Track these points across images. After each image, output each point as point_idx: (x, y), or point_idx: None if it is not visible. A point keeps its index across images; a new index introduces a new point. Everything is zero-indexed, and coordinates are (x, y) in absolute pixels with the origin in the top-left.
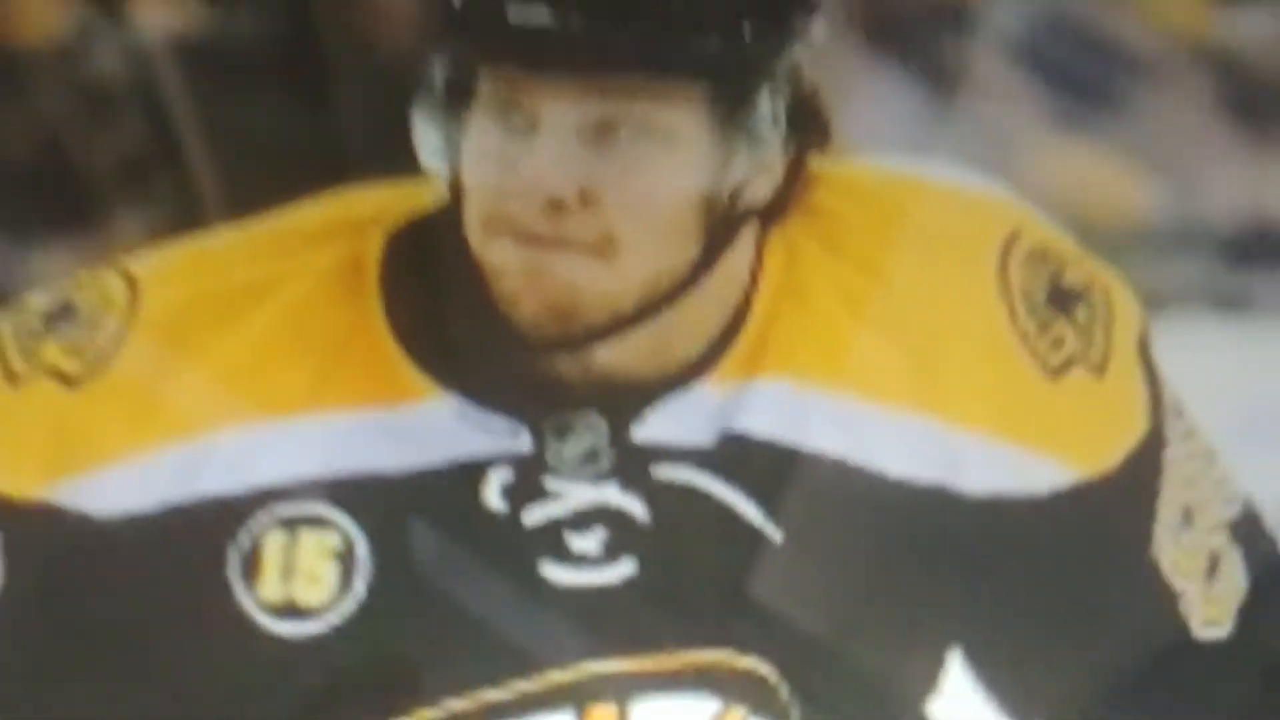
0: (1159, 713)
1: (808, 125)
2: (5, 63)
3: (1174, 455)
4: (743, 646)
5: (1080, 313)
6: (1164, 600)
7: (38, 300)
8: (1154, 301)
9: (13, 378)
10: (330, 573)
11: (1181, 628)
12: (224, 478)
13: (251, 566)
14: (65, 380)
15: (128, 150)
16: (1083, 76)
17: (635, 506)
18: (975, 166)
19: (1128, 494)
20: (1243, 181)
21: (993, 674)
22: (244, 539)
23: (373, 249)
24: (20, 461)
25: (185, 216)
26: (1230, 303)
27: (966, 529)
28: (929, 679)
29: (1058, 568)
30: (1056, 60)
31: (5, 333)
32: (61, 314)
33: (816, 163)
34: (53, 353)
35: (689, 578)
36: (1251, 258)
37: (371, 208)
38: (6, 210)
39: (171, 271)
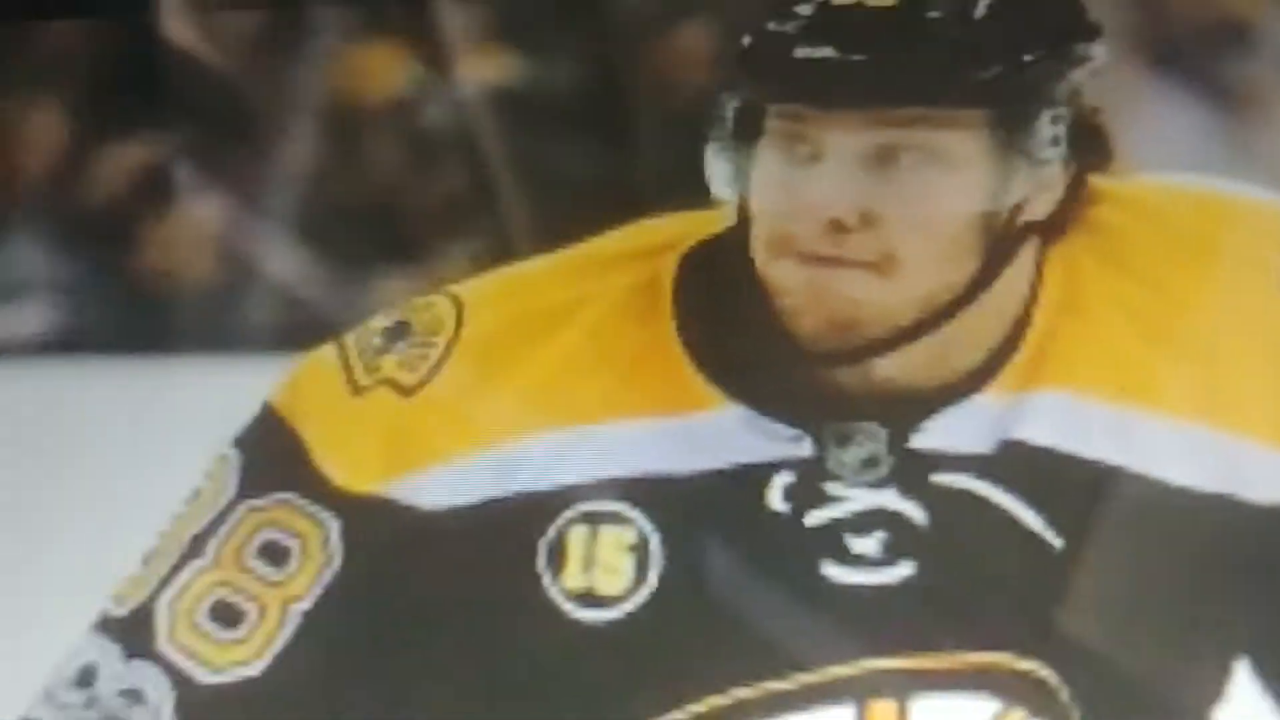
0: None
1: (1089, 145)
2: (351, 117)
3: None
4: (1023, 650)
5: None
6: None
7: (379, 321)
8: None
9: (357, 389)
10: (627, 565)
11: None
12: (535, 478)
13: (557, 557)
14: (401, 390)
15: (453, 191)
16: None
17: (914, 511)
18: (1260, 182)
19: None
20: None
21: (1278, 683)
22: (552, 532)
23: (667, 271)
24: (360, 460)
25: (503, 249)
26: None
27: (1252, 536)
28: (1214, 688)
29: None
30: None
31: (351, 350)
32: (399, 332)
33: (1099, 181)
34: (390, 366)
35: (967, 580)
36: None
37: (666, 235)
38: (351, 246)
39: (491, 294)
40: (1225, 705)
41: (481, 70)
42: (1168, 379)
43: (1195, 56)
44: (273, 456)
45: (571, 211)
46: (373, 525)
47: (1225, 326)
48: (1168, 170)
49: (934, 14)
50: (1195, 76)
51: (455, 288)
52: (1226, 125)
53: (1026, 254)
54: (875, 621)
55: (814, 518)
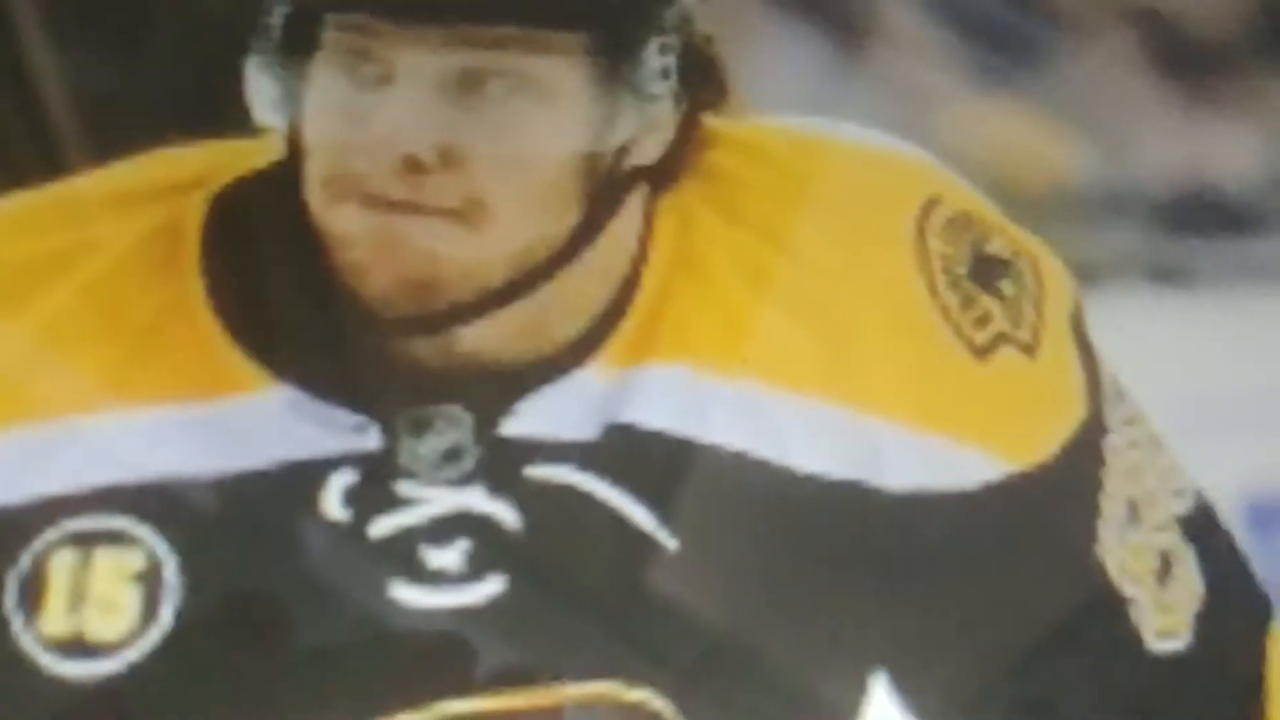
0: None
1: (702, 80)
2: None
3: (1115, 443)
4: (633, 676)
5: (1006, 286)
6: (1112, 607)
7: None
8: (1086, 273)
9: None
10: (130, 600)
11: (1133, 639)
12: (3, 485)
13: (33, 594)
14: None
15: None
16: (1003, 29)
17: (505, 513)
18: (888, 126)
19: (1066, 487)
20: (1177, 142)
21: (920, 698)
22: (24, 560)
23: (193, 214)
24: None
25: None
26: (1169, 274)
27: (886, 529)
28: (849, 705)
29: (990, 571)
30: (975, 11)
31: None
32: None
33: (712, 122)
34: None
35: (568, 596)
36: (1190, 224)
37: (192, 169)
38: None
39: None
40: None
41: None
42: (793, 349)
43: None
44: None
45: (67, 134)
46: None
47: (850, 288)
48: (787, 111)
49: None
50: (817, 6)
51: None
52: (850, 62)
53: (634, 204)
54: (455, 654)
55: (381, 526)
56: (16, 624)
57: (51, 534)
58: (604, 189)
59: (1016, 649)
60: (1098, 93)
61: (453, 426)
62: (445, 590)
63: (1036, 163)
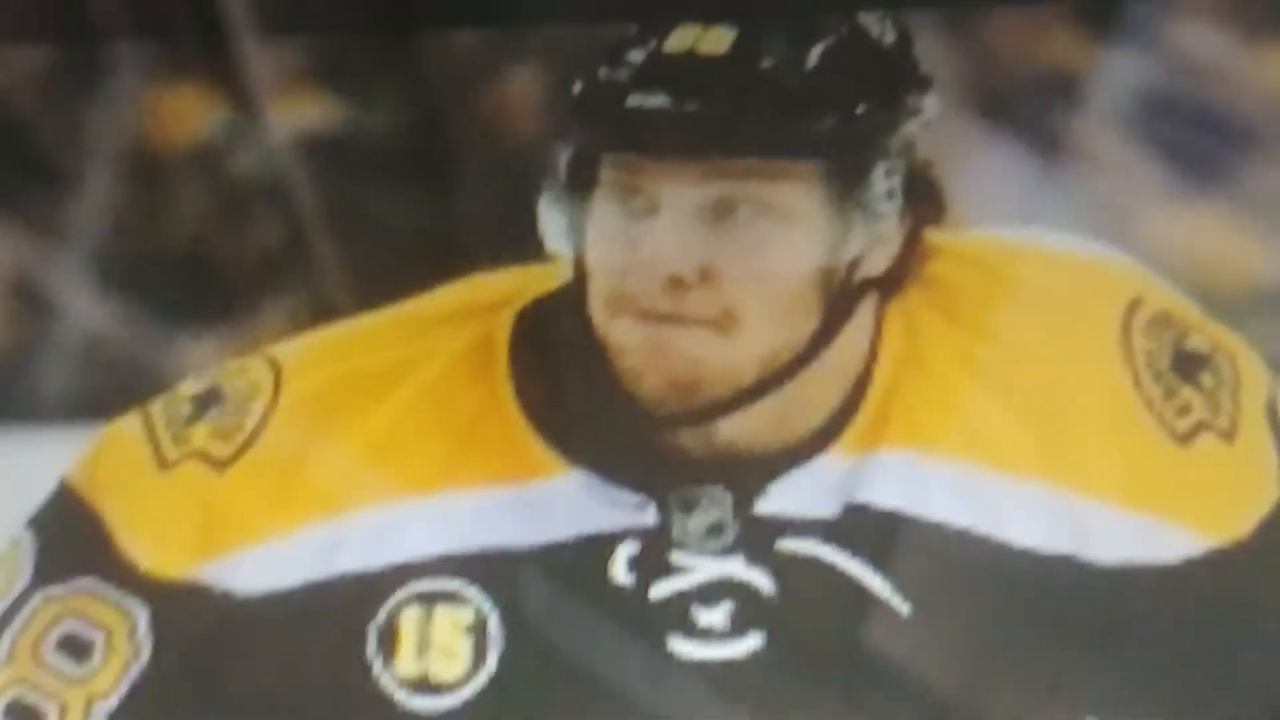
0: None
1: (923, 198)
2: (154, 164)
3: None
4: (873, 717)
5: (1206, 378)
6: None
7: (188, 387)
8: None
9: (164, 463)
10: (464, 648)
11: None
12: (363, 555)
13: (388, 642)
14: (213, 463)
15: (267, 245)
16: (1195, 145)
17: (761, 579)
18: (1094, 234)
19: (1262, 561)
20: None
21: None
22: (382, 615)
23: (502, 330)
24: (170, 542)
25: (323, 307)
26: None
27: (1096, 598)
28: None
29: (1192, 638)
30: (1168, 130)
31: (158, 419)
32: (210, 399)
33: (933, 235)
34: (202, 437)
35: (816, 650)
36: None
37: (500, 291)
38: (157, 304)
39: (313, 357)
40: None
41: (295, 114)
42: (1010, 436)
43: (1025, 108)
44: (71, 539)
45: (396, 266)
46: (184, 613)
47: (1062, 381)
48: (1001, 223)
49: (767, 63)
50: (1025, 128)
51: (272, 349)
52: (1057, 177)
53: (865, 310)
54: (724, 696)
55: (659, 589)
56: (376, 667)
57: (402, 594)
58: (839, 298)
59: (1215, 704)
60: None
61: (715, 505)
62: (713, 644)
63: (1232, 265)
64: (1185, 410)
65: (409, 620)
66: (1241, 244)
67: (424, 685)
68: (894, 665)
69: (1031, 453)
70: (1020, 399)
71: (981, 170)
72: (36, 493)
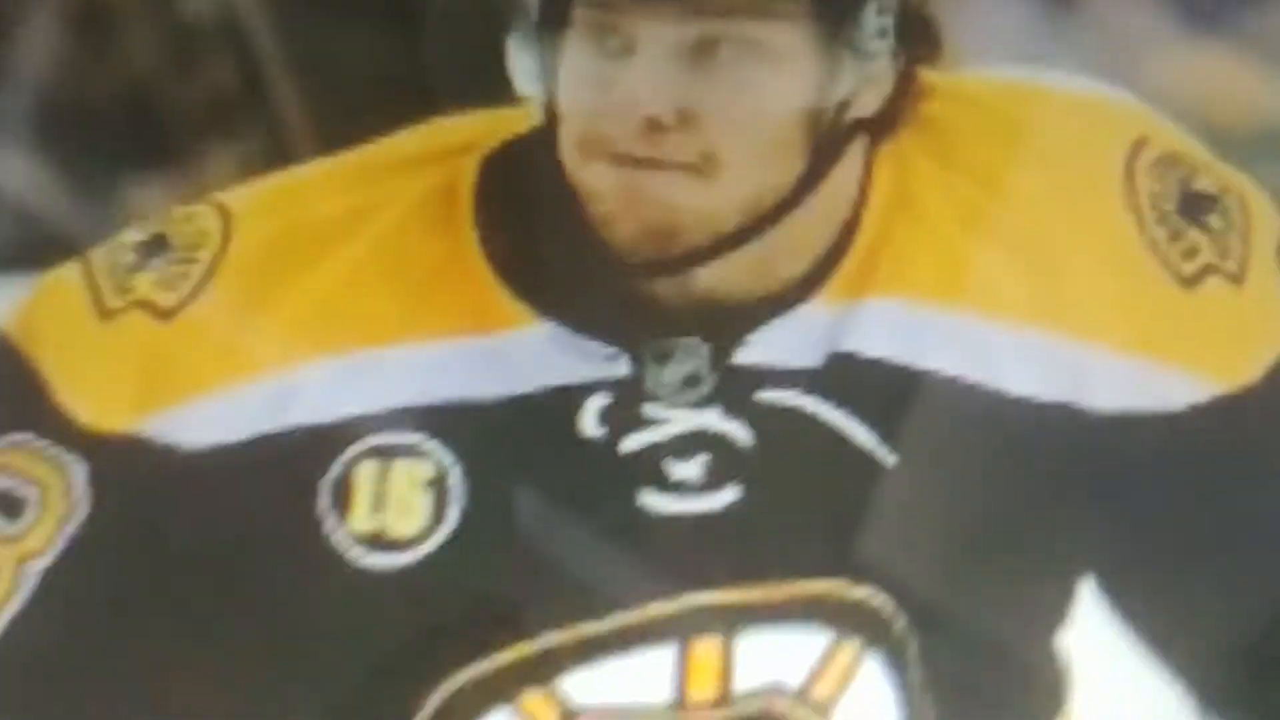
0: None
1: (917, 36)
2: (96, 7)
3: None
4: (856, 576)
5: (1214, 220)
6: None
7: (131, 235)
8: None
9: (106, 312)
10: (423, 503)
11: None
12: (315, 408)
13: (342, 498)
14: (157, 313)
15: (219, 87)
16: None
17: (738, 431)
18: (1098, 74)
19: (1271, 407)
20: None
21: (1129, 602)
22: (335, 469)
23: (466, 176)
24: (110, 395)
25: (277, 152)
26: None
27: (1096, 447)
28: (1058, 609)
29: (1196, 487)
30: None
31: (99, 268)
32: (155, 248)
33: (928, 75)
34: (145, 285)
35: (796, 504)
36: None
37: (464, 136)
38: (100, 150)
39: (264, 204)
40: (1070, 626)
41: None
42: (1004, 281)
43: None
44: (4, 393)
45: (358, 110)
46: (125, 468)
47: (1062, 225)
48: (997, 63)
49: None
50: None
51: (221, 196)
52: (1060, 15)
53: (854, 153)
54: (698, 553)
55: (631, 443)
56: (329, 524)
57: (357, 448)
58: (826, 140)
59: (1220, 557)
60: None
61: (691, 356)
62: (687, 498)
63: (1245, 102)
64: (1192, 253)
65: (364, 475)
66: (1249, 83)
67: (379, 541)
68: (880, 520)
69: (1028, 298)
70: (1017, 244)
71: (980, 7)
72: None
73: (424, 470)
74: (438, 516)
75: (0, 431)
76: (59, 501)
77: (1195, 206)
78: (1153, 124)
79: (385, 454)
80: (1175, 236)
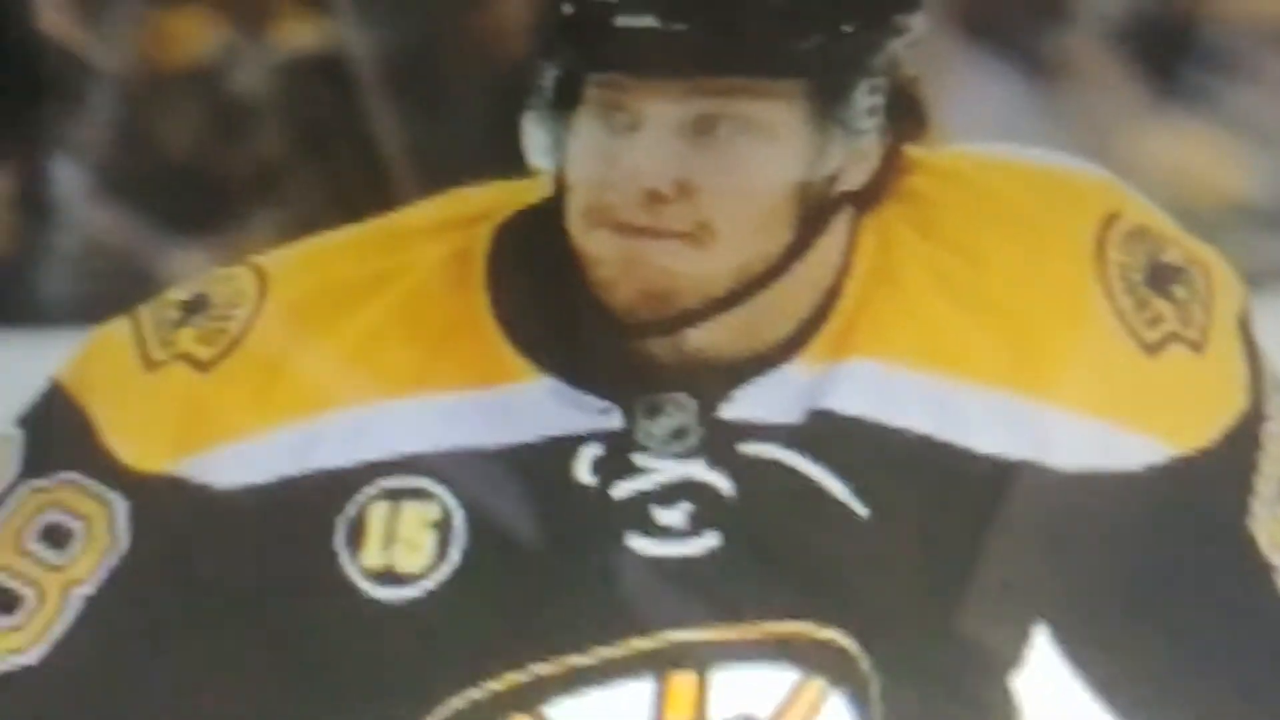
0: (1254, 691)
1: (905, 114)
2: (156, 82)
3: (1273, 430)
4: (824, 618)
5: (1179, 290)
6: (1260, 574)
7: (176, 293)
8: (1255, 279)
9: (150, 363)
10: (429, 541)
11: (1277, 601)
12: (336, 453)
13: (356, 535)
14: (197, 365)
15: (260, 160)
16: (1183, 58)
17: (721, 481)
18: (1074, 151)
19: (1225, 470)
20: None
21: (1080, 650)
22: (350, 509)
23: (481, 241)
24: (152, 439)
25: (310, 220)
26: None
27: (1056, 504)
28: (1013, 653)
29: (1150, 544)
30: (1156, 41)
31: (146, 323)
32: (197, 305)
33: (913, 150)
34: (187, 340)
35: (772, 550)
36: None
37: (480, 205)
38: (150, 216)
39: (296, 266)
40: (1024, 670)
41: (293, 36)
42: (976, 346)
43: (1011, 26)
44: (58, 435)
45: (384, 182)
46: (163, 506)
47: (1033, 294)
48: (982, 139)
49: None
50: (1011, 46)
51: (258, 259)
52: (1041, 95)
53: (840, 224)
54: (678, 593)
55: (621, 490)
56: (343, 558)
57: (371, 490)
58: (815, 212)
59: (1168, 609)
60: (1271, 113)
61: (680, 410)
62: (671, 542)
63: (1211, 182)
64: (1156, 321)
65: (376, 515)
66: (1220, 159)
67: (388, 576)
68: (847, 567)
69: (998, 361)
70: (990, 311)
71: (965, 86)
72: (35, 393)
73: (430, 512)
74: (441, 554)
75: (53, 470)
76: (103, 535)
77: (1162, 277)
78: (1124, 198)
79: (395, 496)
80: (1141, 305)
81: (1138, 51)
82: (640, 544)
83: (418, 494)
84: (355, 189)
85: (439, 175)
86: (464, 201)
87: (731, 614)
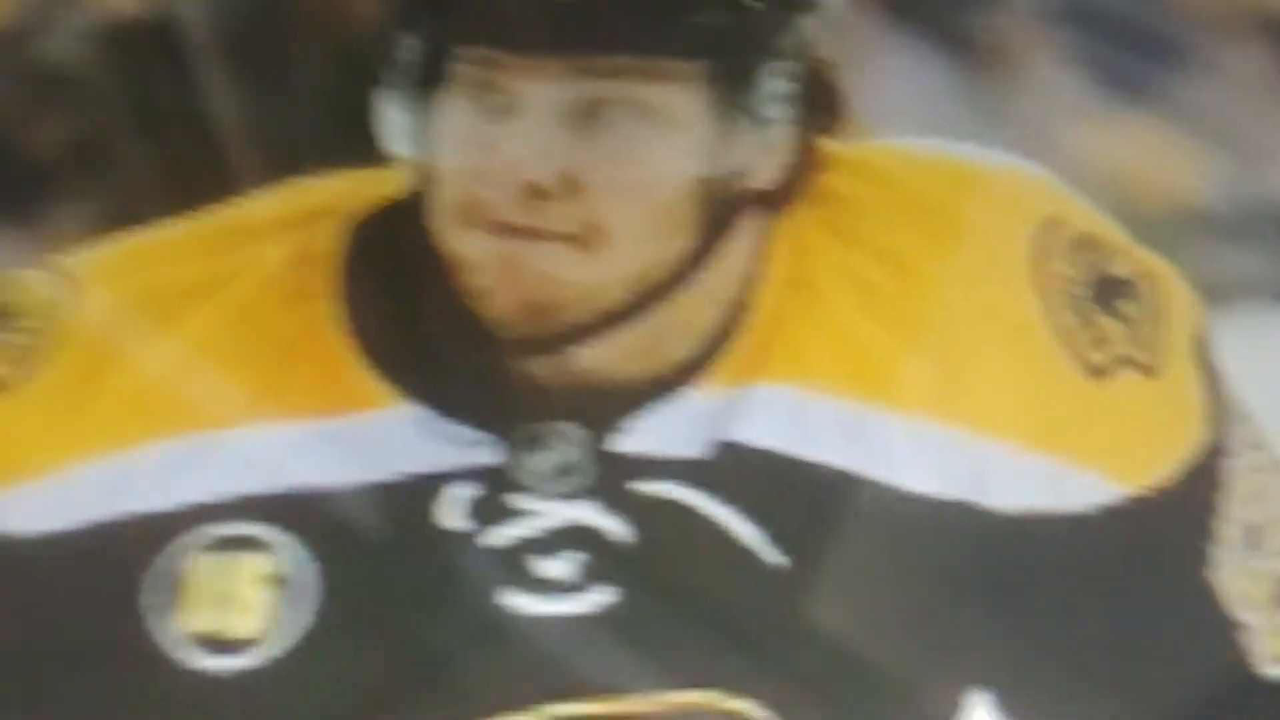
0: None
1: (819, 103)
2: None
3: (1237, 467)
4: (733, 685)
5: (1128, 307)
6: (1222, 631)
7: None
8: (1213, 294)
9: None
10: (265, 600)
11: (1242, 663)
12: (153, 493)
13: (174, 593)
14: None
15: (68, 140)
16: (1131, 46)
17: (615, 526)
18: (1010, 147)
19: (1182, 511)
20: None
21: (1024, 716)
22: (165, 562)
23: (329, 243)
24: None
25: (126, 211)
26: None
27: (995, 550)
28: (946, 718)
29: (1099, 595)
30: (1101, 28)
31: None
32: None
33: (829, 145)
34: None
35: (674, 608)
36: None
37: (328, 198)
38: None
39: (113, 268)
40: None
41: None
42: (903, 369)
43: (938, 5)
44: None
45: (216, 169)
46: None
47: (965, 309)
48: (906, 132)
49: None
50: (937, 27)
51: (65, 260)
52: (971, 83)
53: (749, 227)
54: (563, 659)
55: (497, 537)
56: (151, 619)
57: (193, 538)
58: (719, 213)
59: (1122, 673)
60: (1228, 110)
61: (565, 442)
62: (555, 599)
63: (1164, 182)
64: (1102, 342)
65: (199, 568)
66: (1172, 159)
67: (215, 642)
68: (761, 626)
69: (927, 388)
70: (917, 329)
71: (887, 72)
72: None
73: (267, 565)
74: (281, 616)
75: None
76: None
77: (1108, 292)
78: (1066, 203)
79: (225, 546)
80: (1085, 323)
81: (1080, 36)
82: (520, 601)
83: (251, 543)
84: (183, 175)
85: (280, 160)
86: (308, 193)
87: (627, 683)
